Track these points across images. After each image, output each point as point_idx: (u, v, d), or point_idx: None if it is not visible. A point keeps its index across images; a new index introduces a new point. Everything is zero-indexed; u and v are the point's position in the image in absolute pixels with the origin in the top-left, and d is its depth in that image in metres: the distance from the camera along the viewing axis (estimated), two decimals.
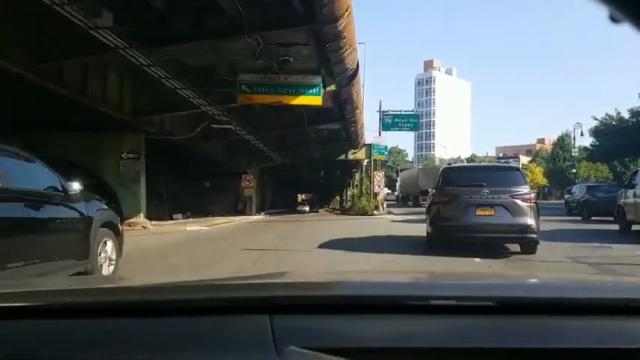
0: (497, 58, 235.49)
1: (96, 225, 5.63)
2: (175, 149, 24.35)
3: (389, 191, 56.50)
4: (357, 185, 55.88)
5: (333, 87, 17.31)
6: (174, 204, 29.17)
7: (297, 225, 22.01)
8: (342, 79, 16.99)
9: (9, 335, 1.05)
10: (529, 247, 8.57)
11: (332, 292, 1.38)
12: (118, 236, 6.16)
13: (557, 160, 61.86)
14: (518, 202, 8.41)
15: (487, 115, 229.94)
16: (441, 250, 8.41)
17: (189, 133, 20.39)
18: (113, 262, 6.05)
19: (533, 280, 1.89)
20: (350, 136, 30.46)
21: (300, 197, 74.06)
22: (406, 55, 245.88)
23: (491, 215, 8.40)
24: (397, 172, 63.79)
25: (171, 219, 25.13)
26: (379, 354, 1.01)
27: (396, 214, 30.19)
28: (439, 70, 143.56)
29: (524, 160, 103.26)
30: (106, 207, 6.20)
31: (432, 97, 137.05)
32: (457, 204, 8.56)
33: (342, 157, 35.33)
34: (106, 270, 5.78)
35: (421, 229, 10.23)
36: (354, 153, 34.96)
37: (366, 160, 36.98)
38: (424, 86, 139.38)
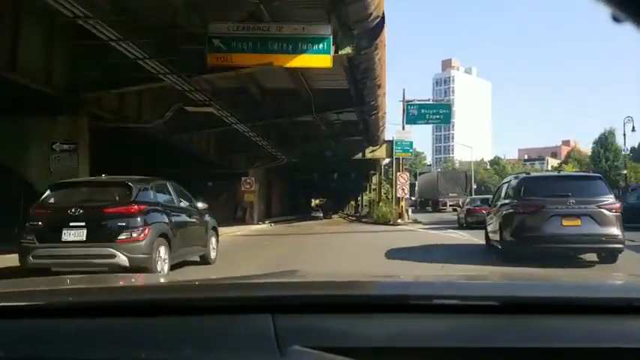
0: (518, 58, 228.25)
1: (209, 227, 9.47)
2: (152, 143, 19.47)
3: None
4: (374, 189, 50.87)
5: (348, 50, 12.20)
6: None
7: (305, 242, 16.86)
8: (362, 36, 11.92)
9: (12, 334, 1.05)
10: (610, 257, 8.63)
11: (335, 291, 1.31)
12: (217, 234, 10.10)
13: (599, 161, 55.79)
14: (605, 211, 8.46)
15: (508, 116, 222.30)
16: (522, 262, 7.86)
17: (160, 119, 15.41)
18: (215, 250, 9.63)
19: (537, 280, 1.85)
20: (368, 129, 25.25)
21: (314, 202, 73.44)
22: (423, 54, 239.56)
23: (577, 225, 8.42)
24: (415, 175, 58.65)
25: None
26: (382, 353, 1.01)
27: (425, 224, 25.01)
28: (458, 70, 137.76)
29: (553, 162, 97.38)
30: (213, 217, 10.05)
31: (451, 97, 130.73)
32: (542, 214, 8.55)
33: (359, 155, 30.13)
34: (213, 254, 9.48)
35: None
36: (373, 151, 29.77)
37: (386, 160, 31.83)
38: (442, 86, 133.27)
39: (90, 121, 12.99)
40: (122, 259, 6.55)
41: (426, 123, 27.94)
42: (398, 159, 29.08)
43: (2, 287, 1.42)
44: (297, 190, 57.13)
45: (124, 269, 6.47)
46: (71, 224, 6.62)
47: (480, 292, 1.28)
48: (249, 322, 1.06)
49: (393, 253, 10.65)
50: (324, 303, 1.13)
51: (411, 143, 28.00)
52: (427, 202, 49.54)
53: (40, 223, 6.80)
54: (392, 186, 29.02)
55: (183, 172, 25.74)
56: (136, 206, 6.84)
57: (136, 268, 6.51)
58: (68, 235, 6.60)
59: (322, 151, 29.44)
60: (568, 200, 8.49)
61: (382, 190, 38.10)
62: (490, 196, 14.21)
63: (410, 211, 28.68)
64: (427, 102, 27.34)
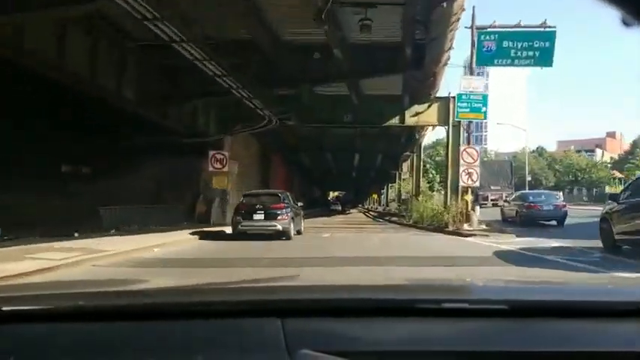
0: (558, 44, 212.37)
1: (302, 215, 15.50)
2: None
3: None
4: (405, 178, 39.94)
5: None
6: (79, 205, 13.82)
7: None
8: None
9: (21, 338, 1.05)
10: None
11: (344, 295, 1.33)
12: (303, 219, 15.80)
13: None
14: None
15: (544, 106, 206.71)
16: None
17: None
18: (302, 230, 15.07)
19: (545, 284, 1.86)
20: (421, 62, 14.08)
21: (333, 195, 70.83)
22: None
23: None
24: (446, 167, 47.09)
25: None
26: (391, 357, 1.02)
27: (508, 234, 14.24)
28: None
29: (605, 156, 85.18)
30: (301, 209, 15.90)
31: (485, 80, 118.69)
32: None
33: (394, 121, 19.17)
34: (302, 229, 15.16)
35: None
36: (417, 114, 18.79)
37: (428, 134, 20.97)
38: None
39: None
40: (278, 228, 12.78)
41: (511, 64, 16.93)
42: (457, 126, 18.15)
43: (10, 291, 1.43)
44: (303, 178, 46.61)
45: (278, 232, 12.75)
46: (257, 212, 13.01)
47: (488, 295, 1.29)
48: (258, 325, 1.06)
49: None
50: (333, 307, 1.14)
51: (485, 97, 17.03)
52: None
53: (242, 211, 13.30)
54: (447, 168, 18.11)
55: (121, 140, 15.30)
56: (282, 204, 13.35)
57: (284, 231, 12.79)
58: (256, 216, 12.93)
59: (338, 111, 18.65)
60: None
61: (420, 176, 27.22)
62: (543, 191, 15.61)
63: (478, 210, 17.70)
64: (514, 30, 16.34)
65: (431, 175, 24.97)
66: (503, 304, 1.13)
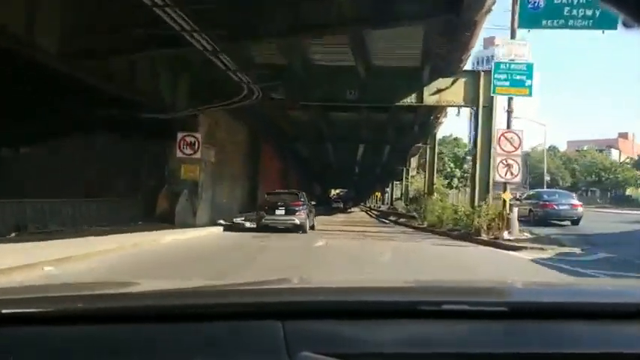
0: (569, 43, 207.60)
1: (314, 211, 17.06)
2: None
3: None
4: (416, 172, 36.10)
5: None
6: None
7: None
8: None
9: (23, 341, 1.04)
10: None
11: (345, 297, 1.31)
12: (314, 214, 17.25)
13: None
14: None
15: (555, 105, 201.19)
16: None
17: None
18: (314, 223, 16.53)
19: (546, 286, 1.89)
20: (458, 5, 9.94)
21: (334, 192, 69.24)
22: None
23: None
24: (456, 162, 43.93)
25: None
26: (391, 359, 1.02)
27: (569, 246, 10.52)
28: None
29: (621, 156, 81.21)
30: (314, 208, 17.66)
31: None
32: None
33: (409, 99, 15.35)
34: (315, 224, 16.81)
35: None
36: (439, 91, 14.99)
37: (451, 116, 17.14)
38: (484, 65, 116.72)
39: None
40: (296, 222, 14.37)
41: (564, 26, 12.99)
42: (488, 107, 14.41)
43: (14, 294, 1.41)
44: (299, 172, 42.95)
45: (296, 225, 14.30)
46: (278, 208, 14.52)
47: (489, 297, 1.28)
48: (259, 328, 1.05)
49: None
50: (334, 309, 1.13)
51: (530, 68, 13.17)
52: None
53: (266, 207, 14.97)
54: (476, 159, 14.32)
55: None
56: (300, 202, 15.03)
57: (301, 225, 14.36)
58: (277, 212, 14.47)
59: (339, 85, 14.89)
60: None
61: (434, 171, 23.44)
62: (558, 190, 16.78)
63: (515, 212, 13.82)
64: None
65: (449, 169, 21.01)
66: (504, 306, 1.13)
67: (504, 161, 12.65)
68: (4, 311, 1.08)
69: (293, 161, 36.02)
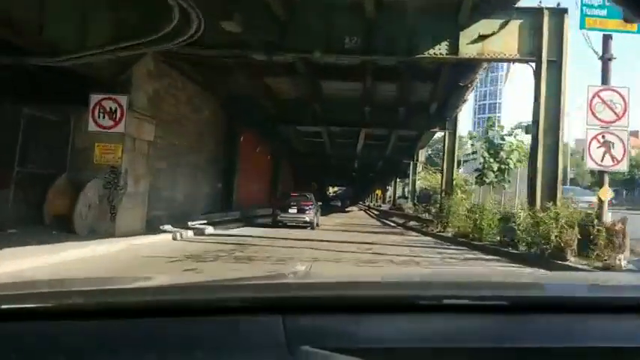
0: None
1: (319, 211, 19.79)
2: None
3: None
4: (422, 168, 31.22)
5: None
6: None
7: None
8: None
9: (20, 337, 1.02)
10: None
11: (345, 291, 1.28)
12: (320, 213, 20.43)
13: None
14: None
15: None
16: None
17: None
18: (320, 223, 18.61)
19: (546, 279, 1.83)
20: None
21: (332, 190, 67.09)
22: None
23: None
24: (459, 163, 38.95)
25: None
26: (393, 354, 1.01)
27: None
28: None
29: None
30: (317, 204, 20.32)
31: (499, 73, 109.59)
32: None
33: (440, 49, 10.44)
34: (320, 220, 19.00)
35: None
36: (482, 39, 10.20)
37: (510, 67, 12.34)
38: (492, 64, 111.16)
39: None
40: (306, 219, 16.89)
41: None
42: (556, 62, 9.63)
43: (9, 289, 1.36)
44: (300, 170, 38.30)
45: (306, 222, 16.82)
46: (291, 207, 17.12)
47: (489, 291, 1.24)
48: (259, 322, 1.04)
49: None
50: (335, 303, 1.13)
51: None
52: None
53: (280, 206, 17.61)
54: (537, 141, 9.52)
55: None
56: (310, 202, 17.65)
57: (310, 222, 16.92)
58: (290, 210, 17.06)
59: (334, 27, 10.07)
60: None
61: (453, 163, 18.57)
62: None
63: (610, 216, 9.02)
64: None
65: (482, 159, 16.14)
66: (504, 300, 1.11)
67: (600, 137, 7.78)
68: (4, 307, 1.07)
69: (286, 154, 31.16)
